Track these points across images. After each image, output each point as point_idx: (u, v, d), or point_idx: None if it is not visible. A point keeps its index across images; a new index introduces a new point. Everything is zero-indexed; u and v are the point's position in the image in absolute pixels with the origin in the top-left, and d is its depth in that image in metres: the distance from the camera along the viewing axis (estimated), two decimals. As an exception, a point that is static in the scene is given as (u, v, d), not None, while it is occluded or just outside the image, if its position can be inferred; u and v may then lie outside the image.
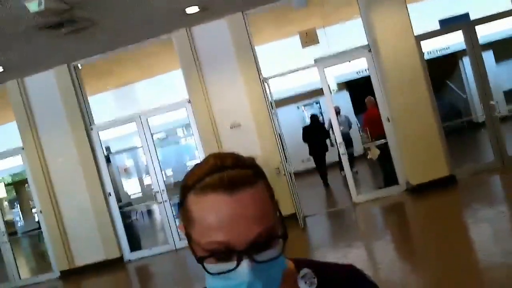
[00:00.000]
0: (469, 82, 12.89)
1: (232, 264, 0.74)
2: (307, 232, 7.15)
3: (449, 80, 14.34)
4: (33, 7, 4.86)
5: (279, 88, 10.74)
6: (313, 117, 10.78)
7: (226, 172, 0.76)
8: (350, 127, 11.22)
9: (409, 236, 4.24)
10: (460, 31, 7.63)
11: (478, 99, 8.25)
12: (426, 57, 8.32)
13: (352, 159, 10.23)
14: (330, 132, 10.15)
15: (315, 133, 10.39)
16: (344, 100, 13.62)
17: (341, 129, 8.29)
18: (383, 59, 7.20)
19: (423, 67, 7.19)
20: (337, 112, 9.68)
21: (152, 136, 8.20)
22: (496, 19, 7.84)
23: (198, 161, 7.04)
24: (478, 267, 4.18)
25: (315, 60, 7.82)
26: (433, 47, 11.76)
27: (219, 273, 0.75)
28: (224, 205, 0.74)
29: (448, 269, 4.04)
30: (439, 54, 12.39)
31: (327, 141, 10.63)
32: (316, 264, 0.94)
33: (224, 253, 0.74)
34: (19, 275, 8.50)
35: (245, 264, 0.73)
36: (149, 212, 13.54)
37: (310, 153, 10.54)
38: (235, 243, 0.73)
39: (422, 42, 7.33)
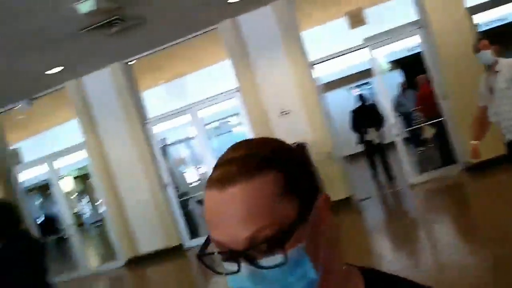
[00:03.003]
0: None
1: (235, 266, 0.66)
2: (362, 216, 7.09)
3: (507, 53, 13.58)
4: (84, 8, 5.07)
5: (328, 71, 10.60)
6: (362, 97, 9.33)
7: (230, 165, 0.68)
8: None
9: (469, 217, 4.11)
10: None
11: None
12: (483, 28, 7.92)
13: (417, 139, 9.90)
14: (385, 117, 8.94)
15: (366, 117, 8.86)
16: (396, 80, 13.24)
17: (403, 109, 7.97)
18: (435, 34, 6.94)
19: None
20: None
21: (204, 127, 8.37)
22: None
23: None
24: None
25: (364, 40, 7.66)
26: (488, 18, 11.16)
27: (226, 273, 0.68)
28: (214, 202, 0.67)
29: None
30: (495, 25, 11.75)
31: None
32: (391, 281, 0.80)
33: (226, 252, 0.67)
34: (89, 264, 9.01)
35: (244, 269, 0.65)
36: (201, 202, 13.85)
37: (361, 142, 8.94)
38: (232, 244, 0.66)
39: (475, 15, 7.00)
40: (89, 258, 9.33)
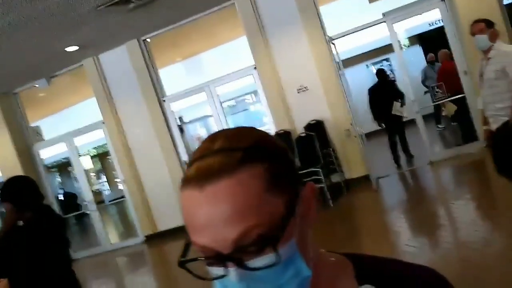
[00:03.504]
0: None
1: (221, 270, 0.60)
2: (380, 194, 7.05)
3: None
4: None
5: (346, 47, 10.42)
6: (381, 73, 8.81)
7: (208, 159, 0.61)
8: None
9: (491, 194, 4.04)
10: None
11: None
12: (507, 1, 7.68)
13: (438, 116, 9.67)
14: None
15: (385, 94, 8.41)
16: (417, 55, 12.98)
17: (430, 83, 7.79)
18: (458, 7, 6.74)
19: (503, 14, 6.65)
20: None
21: (221, 104, 8.34)
22: None
23: (267, 127, 7.01)
24: None
25: (384, 15, 7.49)
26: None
27: (214, 279, 0.62)
28: (194, 202, 0.60)
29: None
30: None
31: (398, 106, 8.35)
32: (381, 264, 0.73)
33: (212, 257, 0.60)
34: (109, 240, 9.18)
35: (233, 273, 0.59)
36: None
37: (377, 118, 8.53)
38: (217, 247, 0.59)
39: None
40: (109, 234, 9.49)
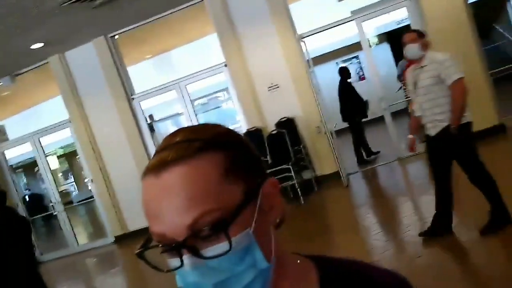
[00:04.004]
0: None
1: (178, 261, 0.60)
2: (350, 190, 7.13)
3: (497, 23, 13.58)
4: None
5: (316, 45, 10.49)
6: (341, 71, 8.66)
7: (167, 151, 0.62)
8: None
9: (458, 188, 4.15)
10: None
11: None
12: (471, 0, 7.87)
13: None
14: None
15: (344, 93, 8.45)
16: (385, 53, 13.20)
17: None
18: (424, 6, 6.88)
19: (468, 12, 6.82)
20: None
21: (192, 102, 8.28)
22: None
23: (239, 125, 7.01)
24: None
25: (352, 13, 7.57)
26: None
27: (171, 270, 0.63)
28: (150, 188, 0.61)
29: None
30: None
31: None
32: (344, 266, 0.73)
33: (167, 246, 0.61)
34: (77, 241, 8.99)
35: (186, 261, 0.59)
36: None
37: (344, 120, 8.52)
38: (172, 234, 0.59)
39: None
40: (77, 235, 9.30)
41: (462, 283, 3.43)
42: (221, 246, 0.59)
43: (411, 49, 3.88)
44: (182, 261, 0.59)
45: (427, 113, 3.87)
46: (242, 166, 0.64)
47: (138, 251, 0.63)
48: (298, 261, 0.73)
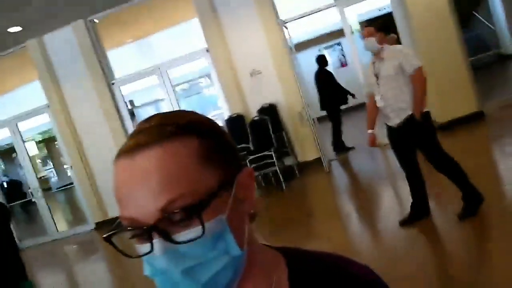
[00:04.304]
0: (498, 13, 12.30)
1: (148, 246, 0.59)
2: (332, 177, 7.18)
3: (477, 11, 13.71)
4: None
5: (299, 31, 10.45)
6: (318, 60, 8.47)
7: (140, 135, 0.61)
8: None
9: (435, 174, 4.22)
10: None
11: (507, 31, 7.88)
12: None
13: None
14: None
15: (322, 82, 8.31)
16: (367, 40, 13.20)
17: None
18: (406, -7, 6.89)
19: (449, 0, 6.86)
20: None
21: (173, 88, 8.19)
22: None
23: (221, 111, 6.98)
24: (506, 201, 4.15)
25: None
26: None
27: (139, 256, 0.61)
28: (122, 171, 0.60)
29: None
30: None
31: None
32: (313, 259, 0.72)
33: (137, 230, 0.59)
34: (57, 228, 8.89)
35: (157, 245, 0.58)
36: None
37: (321, 108, 8.41)
38: (143, 218, 0.58)
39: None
40: (57, 222, 9.19)
41: (441, 266, 3.49)
42: (194, 231, 0.57)
43: (369, 42, 3.99)
44: (152, 245, 0.58)
45: (391, 102, 3.93)
46: (217, 153, 0.63)
47: (105, 235, 0.62)
48: (269, 253, 0.72)
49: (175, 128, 0.61)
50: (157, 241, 0.58)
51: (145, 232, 0.58)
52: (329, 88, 8.31)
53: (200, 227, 0.57)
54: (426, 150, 4.00)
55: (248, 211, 0.67)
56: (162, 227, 0.58)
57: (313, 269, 0.70)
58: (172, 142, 0.59)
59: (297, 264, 0.71)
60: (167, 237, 0.58)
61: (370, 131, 4.24)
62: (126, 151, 0.60)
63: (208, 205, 0.58)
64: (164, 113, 0.67)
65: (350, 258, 0.73)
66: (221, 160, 0.63)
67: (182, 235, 0.58)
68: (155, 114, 0.66)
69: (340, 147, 8.33)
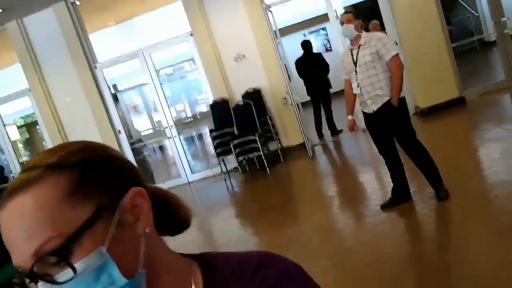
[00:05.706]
0: (481, -1, 12.41)
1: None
2: (316, 161, 7.24)
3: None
4: None
5: (283, 16, 10.40)
6: (305, 45, 8.53)
7: (18, 177, 0.62)
8: None
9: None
10: None
11: (490, 17, 7.97)
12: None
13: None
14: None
15: (310, 67, 8.35)
16: (351, 25, 13.20)
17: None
18: (391, -21, 6.91)
19: (433, -14, 6.90)
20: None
21: (157, 72, 8.13)
22: None
23: (205, 96, 6.96)
24: (485, 185, 4.24)
25: (320, -16, 7.53)
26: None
27: None
28: (1, 221, 0.61)
29: (456, 188, 4.11)
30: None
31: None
32: (235, 266, 0.71)
33: (26, 274, 0.60)
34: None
35: (42, 287, 0.59)
36: (161, 148, 13.75)
37: (308, 93, 8.53)
38: (24, 265, 0.59)
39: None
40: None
41: (419, 247, 3.57)
42: (68, 271, 0.58)
43: (346, 29, 4.03)
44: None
45: (368, 89, 3.99)
46: (92, 183, 0.62)
47: (14, 280, 0.65)
48: (184, 264, 0.73)
49: (43, 169, 0.61)
50: (40, 284, 0.59)
51: (27, 277, 0.59)
52: (321, 73, 8.34)
53: (69, 267, 0.57)
54: (400, 135, 4.07)
55: (142, 231, 0.65)
56: (42, 270, 0.58)
57: (227, 272, 0.70)
58: (40, 185, 0.60)
59: (211, 269, 0.72)
60: (47, 279, 0.58)
61: (349, 117, 4.30)
62: (4, 197, 0.61)
63: (75, 244, 0.58)
64: (51, 148, 0.66)
65: (279, 257, 0.72)
66: (95, 190, 0.62)
67: (62, 276, 0.58)
68: (41, 151, 0.66)
69: (334, 129, 8.41)
